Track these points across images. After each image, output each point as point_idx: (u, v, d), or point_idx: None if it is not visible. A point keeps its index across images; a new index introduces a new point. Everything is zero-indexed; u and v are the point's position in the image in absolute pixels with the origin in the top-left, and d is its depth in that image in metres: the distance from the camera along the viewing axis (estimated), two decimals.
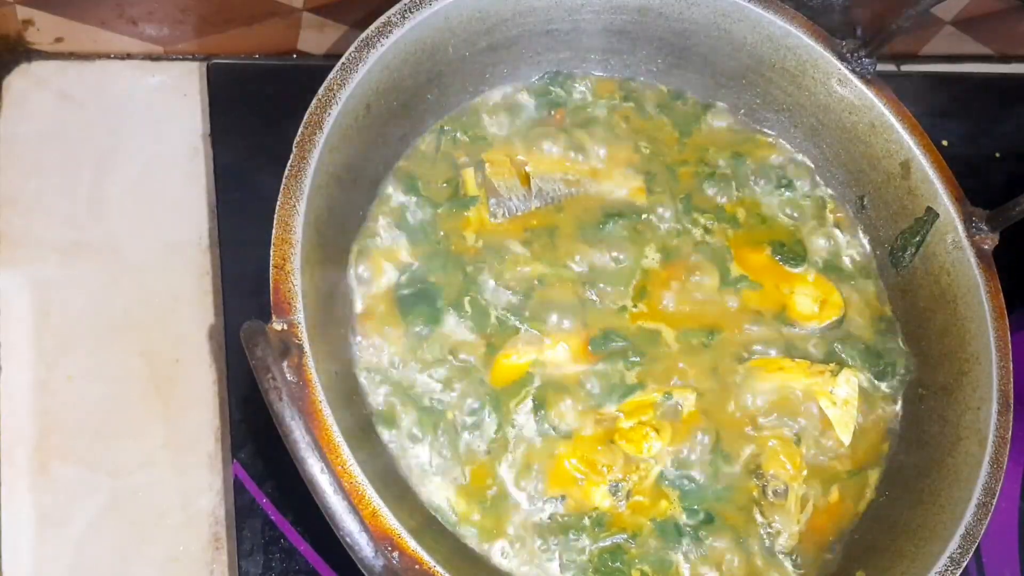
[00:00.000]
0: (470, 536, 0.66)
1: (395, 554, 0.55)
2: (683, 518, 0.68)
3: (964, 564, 0.64)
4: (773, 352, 0.74)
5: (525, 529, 0.66)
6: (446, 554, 0.58)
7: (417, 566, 0.55)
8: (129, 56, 0.88)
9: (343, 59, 0.66)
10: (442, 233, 0.73)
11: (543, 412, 0.68)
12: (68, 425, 0.75)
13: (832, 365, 0.74)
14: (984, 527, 0.65)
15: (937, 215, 0.75)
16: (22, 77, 0.86)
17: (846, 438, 0.73)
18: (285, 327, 0.58)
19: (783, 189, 0.81)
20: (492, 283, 0.72)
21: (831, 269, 0.78)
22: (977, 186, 0.77)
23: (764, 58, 0.79)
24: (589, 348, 0.71)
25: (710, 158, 0.80)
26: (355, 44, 0.67)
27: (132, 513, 0.74)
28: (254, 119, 0.82)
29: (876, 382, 0.75)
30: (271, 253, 0.60)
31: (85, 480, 0.74)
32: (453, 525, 0.65)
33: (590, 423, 0.69)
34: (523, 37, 0.77)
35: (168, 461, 0.75)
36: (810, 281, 0.77)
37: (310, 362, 0.57)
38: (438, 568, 0.56)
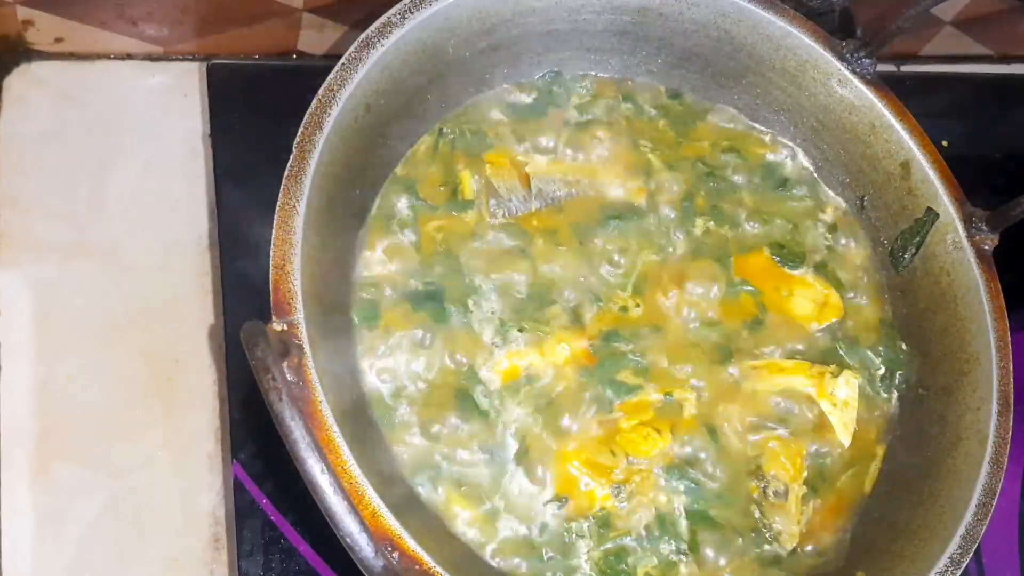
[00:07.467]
0: (471, 537, 0.65)
1: (395, 554, 0.55)
2: (685, 518, 0.68)
3: (964, 565, 0.64)
4: (773, 353, 0.74)
5: (527, 531, 0.66)
6: (446, 555, 0.58)
7: (417, 567, 0.55)
8: (129, 56, 0.88)
9: (343, 59, 0.66)
10: (442, 234, 0.73)
11: (544, 413, 0.68)
12: (68, 425, 0.75)
13: (832, 367, 0.74)
14: (984, 527, 0.65)
15: (937, 215, 0.75)
16: (22, 77, 0.86)
17: (846, 439, 0.73)
18: (285, 327, 0.58)
19: (782, 189, 0.81)
20: (492, 284, 0.72)
21: (830, 270, 0.78)
22: (977, 186, 0.77)
23: (764, 58, 0.79)
24: (589, 349, 0.71)
25: (710, 158, 0.80)
26: (355, 44, 0.67)
27: (132, 513, 0.74)
28: (254, 119, 0.82)
29: (876, 383, 0.75)
30: (271, 253, 0.60)
31: (85, 480, 0.74)
32: (454, 526, 0.65)
33: (591, 424, 0.69)
34: (523, 37, 0.76)
35: (168, 461, 0.76)
36: (809, 282, 0.77)
37: (310, 362, 0.57)
38: (438, 569, 0.56)
